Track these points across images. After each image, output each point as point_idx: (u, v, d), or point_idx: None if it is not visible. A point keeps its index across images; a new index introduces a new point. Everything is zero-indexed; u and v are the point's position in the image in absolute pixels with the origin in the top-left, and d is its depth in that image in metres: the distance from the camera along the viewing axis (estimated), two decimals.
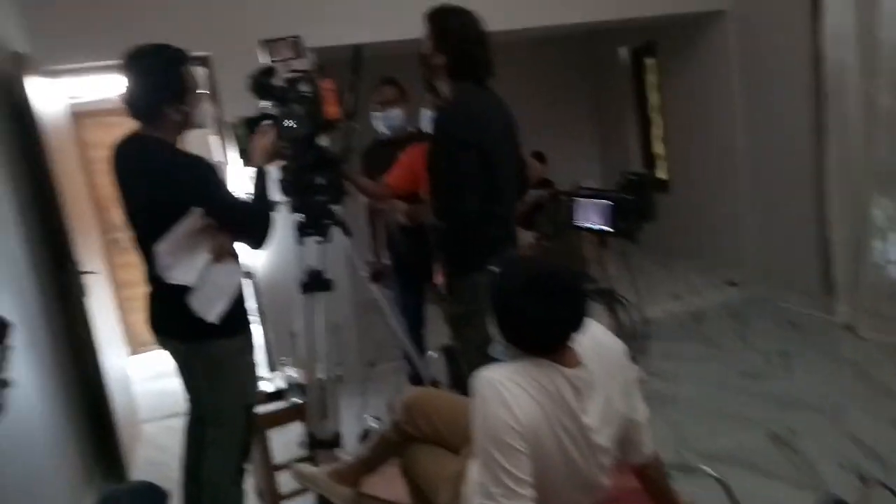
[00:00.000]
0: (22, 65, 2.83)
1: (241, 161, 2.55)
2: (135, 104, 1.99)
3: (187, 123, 2.08)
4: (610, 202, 2.11)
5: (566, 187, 5.83)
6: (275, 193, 2.65)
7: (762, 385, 3.52)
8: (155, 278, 2.05)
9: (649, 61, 6.23)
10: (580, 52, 6.88)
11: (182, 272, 1.96)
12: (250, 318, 2.20)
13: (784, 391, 3.41)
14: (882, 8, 3.55)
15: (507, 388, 1.37)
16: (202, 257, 1.99)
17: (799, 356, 3.79)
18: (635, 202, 2.07)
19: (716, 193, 5.34)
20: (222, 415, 2.12)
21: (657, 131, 6.34)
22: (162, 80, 1.98)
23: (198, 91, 2.09)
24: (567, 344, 1.44)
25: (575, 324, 1.42)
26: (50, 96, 3.20)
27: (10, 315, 2.32)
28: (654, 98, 6.28)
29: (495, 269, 2.11)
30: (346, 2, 3.92)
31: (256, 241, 2.13)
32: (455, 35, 2.12)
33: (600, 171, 7.13)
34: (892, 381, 3.34)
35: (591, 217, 2.18)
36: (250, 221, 2.08)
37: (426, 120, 2.74)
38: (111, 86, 4.36)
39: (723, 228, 5.34)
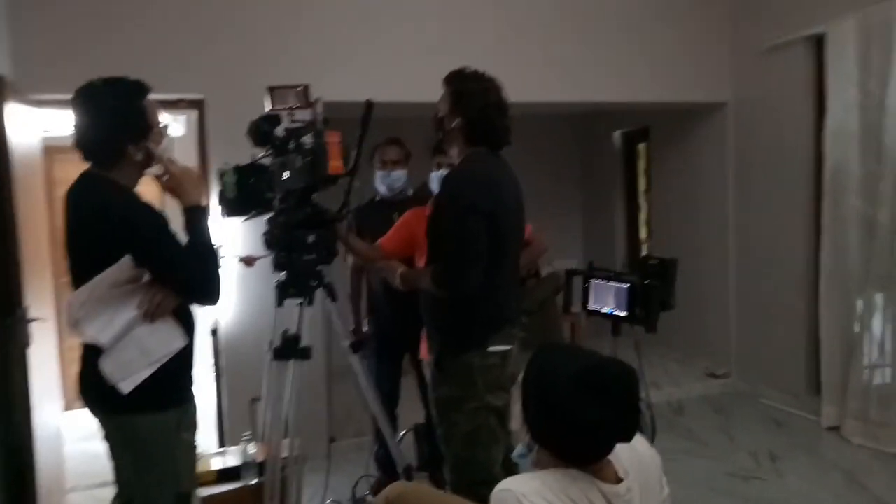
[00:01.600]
0: (3, 89, 2.65)
1: (223, 211, 2.40)
2: (90, 144, 1.81)
3: (149, 162, 1.89)
4: (627, 286, 1.97)
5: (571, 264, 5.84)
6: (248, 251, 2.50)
7: (753, 488, 3.37)
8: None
9: (641, 146, 6.31)
10: (572, 130, 6.96)
11: (95, 328, 1.72)
12: (192, 387, 1.93)
13: (777, 497, 3.27)
14: (888, 111, 3.58)
15: None
16: (125, 314, 1.74)
17: (788, 459, 3.66)
18: (656, 288, 1.93)
19: (701, 282, 5.29)
20: (151, 502, 1.84)
21: (643, 214, 6.37)
22: (120, 116, 1.80)
23: (160, 126, 1.91)
24: (608, 454, 1.26)
25: (629, 431, 1.23)
26: (25, 126, 3.01)
27: None
28: (642, 183, 6.33)
29: (497, 349, 1.99)
30: (358, 58, 3.87)
31: (206, 298, 1.88)
32: (474, 98, 2.04)
33: (582, 248, 7.10)
34: (886, 493, 3.22)
35: (605, 301, 2.04)
36: (201, 276, 1.82)
37: (435, 182, 2.63)
38: None
39: (706, 318, 5.27)
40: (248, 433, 2.69)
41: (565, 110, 5.17)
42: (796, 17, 4.20)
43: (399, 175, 3.05)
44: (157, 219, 1.79)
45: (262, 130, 2.25)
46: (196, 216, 1.86)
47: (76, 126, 1.81)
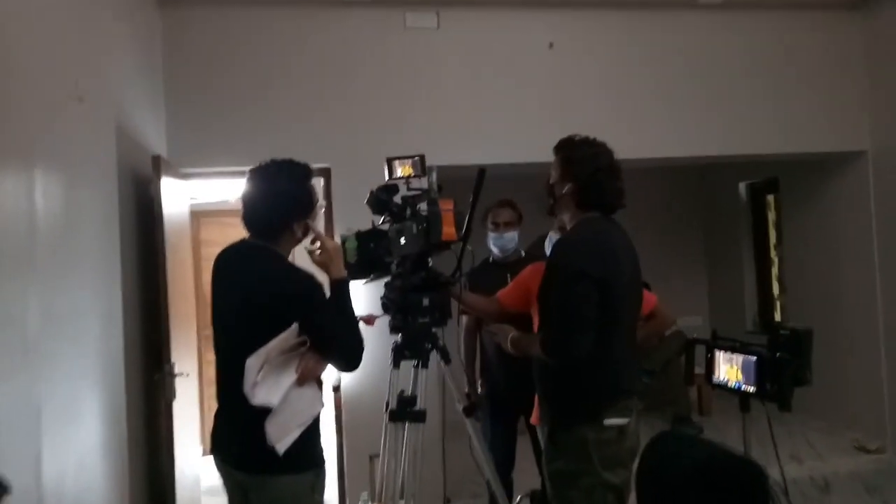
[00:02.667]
0: (160, 167, 2.97)
1: (348, 273, 2.51)
2: (262, 219, 1.96)
3: (305, 236, 2.04)
4: (755, 358, 1.83)
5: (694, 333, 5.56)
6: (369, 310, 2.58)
7: None
8: (228, 396, 1.93)
9: (770, 197, 5.95)
10: (694, 183, 6.71)
11: (266, 392, 1.82)
12: (324, 451, 2.00)
13: None
14: None
15: None
16: (288, 378, 1.85)
17: None
18: (788, 362, 1.78)
19: (846, 345, 4.82)
20: None
21: (775, 271, 5.95)
22: (294, 197, 1.97)
23: (319, 204, 2.05)
24: None
25: None
26: (176, 196, 3.34)
27: (97, 414, 2.32)
28: (773, 236, 5.95)
29: (612, 422, 1.90)
30: (470, 124, 4.00)
31: (350, 365, 1.99)
32: (583, 164, 2.03)
33: (708, 305, 6.73)
34: None
35: (732, 373, 1.90)
36: (349, 344, 1.94)
37: (550, 243, 2.62)
38: (230, 188, 4.58)
39: (854, 385, 4.78)
40: (365, 493, 2.72)
41: (687, 162, 5.00)
42: None
43: (511, 237, 3.06)
44: (321, 291, 1.92)
45: (380, 200, 2.35)
46: (344, 288, 2.00)
47: (248, 201, 1.98)
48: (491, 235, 3.09)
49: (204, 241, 5.27)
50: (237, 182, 3.91)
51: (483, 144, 3.98)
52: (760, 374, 1.80)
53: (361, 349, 1.95)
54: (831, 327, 4.96)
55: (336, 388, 3.70)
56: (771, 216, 6.00)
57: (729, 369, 1.91)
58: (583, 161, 2.02)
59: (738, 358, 1.88)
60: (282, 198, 1.94)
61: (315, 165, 3.73)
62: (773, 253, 5.98)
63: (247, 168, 3.38)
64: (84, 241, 2.29)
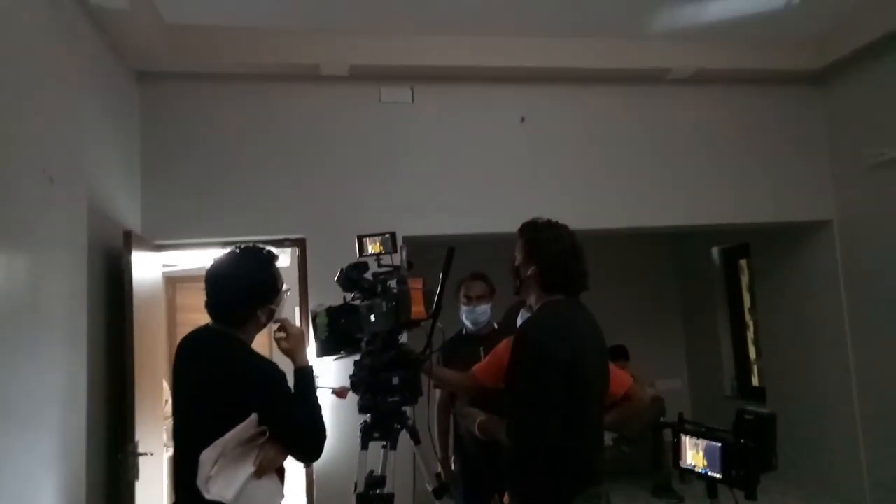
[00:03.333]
0: (131, 243, 2.96)
1: (316, 350, 2.50)
2: (224, 305, 1.94)
3: (269, 321, 2.03)
4: (721, 444, 1.81)
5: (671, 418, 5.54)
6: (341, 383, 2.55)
7: None
8: (184, 489, 1.86)
9: (742, 262, 6.05)
10: (670, 248, 6.82)
11: (221, 486, 1.76)
12: None
13: None
14: None
15: None
16: (245, 471, 1.79)
17: None
18: (753, 450, 1.77)
19: (822, 409, 4.83)
20: None
21: (750, 335, 6.00)
22: (256, 283, 1.95)
23: (284, 290, 2.05)
24: None
25: None
26: (148, 269, 3.33)
27: (53, 497, 2.23)
28: (747, 300, 6.02)
29: None
30: (444, 195, 4.08)
31: (312, 456, 1.94)
32: (546, 247, 2.04)
33: (686, 366, 6.73)
34: None
35: (698, 458, 1.89)
36: (312, 434, 1.90)
37: (521, 320, 2.62)
38: (207, 255, 4.58)
39: (831, 450, 4.76)
40: None
41: (658, 230, 5.09)
42: None
43: (483, 310, 3.06)
44: (283, 379, 1.88)
45: (350, 278, 2.36)
46: (308, 376, 1.98)
47: (210, 288, 1.95)
48: (463, 309, 3.09)
49: (180, 306, 5.22)
50: (215, 251, 3.94)
51: (457, 215, 4.04)
52: (725, 460, 1.79)
53: (324, 439, 1.91)
54: (807, 390, 4.98)
55: (307, 466, 3.61)
56: (744, 280, 6.08)
57: (695, 455, 1.89)
58: (546, 244, 2.04)
59: (703, 443, 1.87)
60: (244, 284, 1.93)
61: (290, 236, 3.84)
62: (747, 317, 6.04)
63: (222, 239, 3.38)
64: (49, 321, 2.26)
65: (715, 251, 6.27)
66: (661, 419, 5.17)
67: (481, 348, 2.90)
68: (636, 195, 4.32)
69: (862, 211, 4.39)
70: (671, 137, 4.44)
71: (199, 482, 1.74)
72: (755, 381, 5.95)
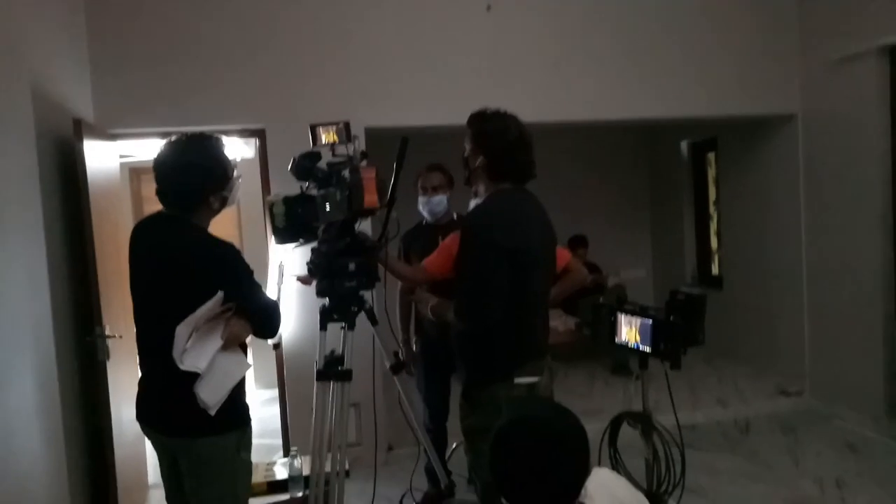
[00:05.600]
0: (81, 130, 2.91)
1: (275, 238, 2.55)
2: (177, 193, 1.98)
3: (223, 207, 2.07)
4: (652, 321, 1.95)
5: (614, 279, 5.75)
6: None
7: None
8: (153, 363, 1.99)
9: (710, 155, 6.11)
10: (638, 140, 6.84)
11: (194, 357, 1.88)
12: (248, 410, 2.08)
13: None
14: None
15: None
16: (214, 343, 1.91)
17: (858, 488, 3.45)
18: (679, 325, 1.91)
19: (774, 297, 5.08)
20: None
21: (713, 225, 6.16)
22: (207, 168, 1.98)
23: (236, 177, 2.08)
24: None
25: (557, 489, 1.26)
26: (104, 158, 3.29)
27: (27, 378, 2.34)
28: (712, 193, 6.13)
29: (523, 381, 2.02)
30: (405, 85, 4.00)
31: (272, 331, 2.07)
32: (494, 137, 2.08)
33: (652, 259, 6.95)
34: None
35: (631, 334, 2.03)
36: (271, 312, 2.02)
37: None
38: None
39: (779, 334, 5.05)
40: (295, 448, 2.82)
41: (625, 123, 5.08)
42: (867, 28, 3.98)
43: (439, 200, 3.11)
44: (243, 260, 1.97)
45: (303, 167, 2.38)
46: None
47: (162, 176, 1.98)
48: (420, 199, 3.14)
49: (146, 197, 5.21)
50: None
51: (418, 107, 3.99)
52: (655, 336, 1.93)
53: (280, 316, 2.04)
54: (761, 279, 5.21)
55: (276, 346, 3.77)
56: (711, 173, 6.17)
57: (629, 331, 2.03)
58: (494, 135, 2.07)
59: (637, 321, 2.00)
60: (194, 171, 1.96)
61: (249, 126, 3.79)
62: (711, 209, 6.18)
63: (181, 129, 3.34)
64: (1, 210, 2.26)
65: (683, 144, 6.31)
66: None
67: (440, 237, 2.96)
68: (604, 86, 4.28)
69: (826, 106, 4.41)
70: (640, 27, 4.34)
71: (175, 354, 1.85)
72: (714, 270, 6.19)
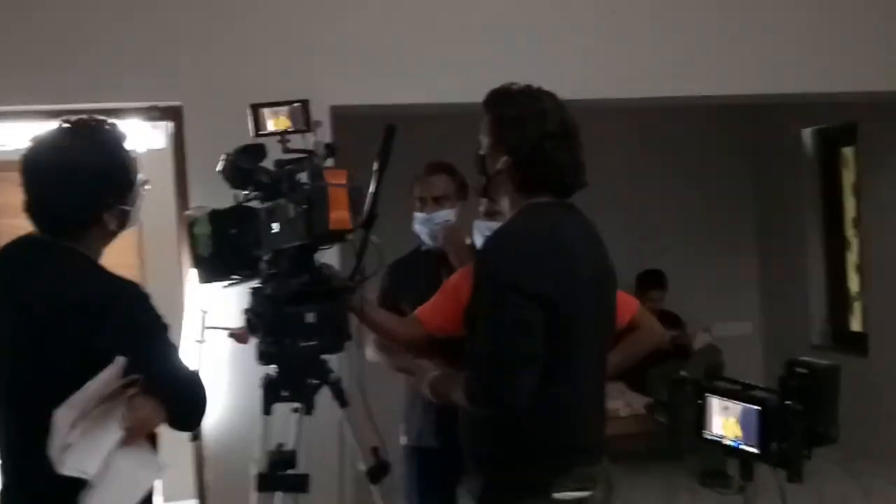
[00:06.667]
0: None
1: (198, 274, 2.58)
2: (53, 211, 1.98)
3: (123, 227, 2.09)
4: (759, 407, 1.97)
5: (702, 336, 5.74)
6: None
7: None
8: (17, 463, 1.98)
9: (846, 151, 6.15)
10: (737, 130, 6.86)
11: (81, 457, 1.85)
12: None
13: None
14: None
15: None
16: (110, 435, 1.89)
17: None
18: (803, 413, 1.92)
19: None
20: None
21: (852, 256, 6.17)
22: (104, 173, 1.99)
23: (140, 182, 2.10)
24: None
25: None
26: None
27: None
28: (850, 206, 6.15)
29: (567, 496, 2.02)
30: (382, 46, 4.04)
31: (194, 418, 2.09)
32: (523, 127, 2.08)
33: (758, 308, 6.95)
34: None
35: (729, 426, 2.05)
36: (195, 388, 2.03)
37: (479, 236, 2.71)
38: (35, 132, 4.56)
39: None
40: None
41: (727, 101, 5.11)
42: None
43: (445, 215, 3.12)
44: (154, 308, 1.97)
45: (240, 169, 2.40)
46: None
47: (32, 183, 1.98)
48: (417, 216, 3.15)
49: (1, 206, 5.22)
50: (47, 124, 3.88)
51: (406, 77, 4.04)
52: (764, 429, 1.94)
53: (205, 396, 2.04)
54: None
55: (195, 438, 3.77)
56: (848, 177, 6.20)
57: (725, 422, 2.05)
58: (523, 123, 2.08)
59: (738, 407, 2.01)
60: (82, 176, 1.96)
61: (158, 103, 3.83)
62: (849, 231, 6.20)
63: (57, 107, 3.35)
64: None
65: (806, 134, 6.36)
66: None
67: (444, 271, 2.98)
68: (685, 50, 4.33)
69: None
70: None
71: (53, 452, 1.84)
72: (855, 325, 6.19)
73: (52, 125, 2.05)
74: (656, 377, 5.12)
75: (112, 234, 2.09)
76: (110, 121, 2.08)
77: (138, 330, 1.94)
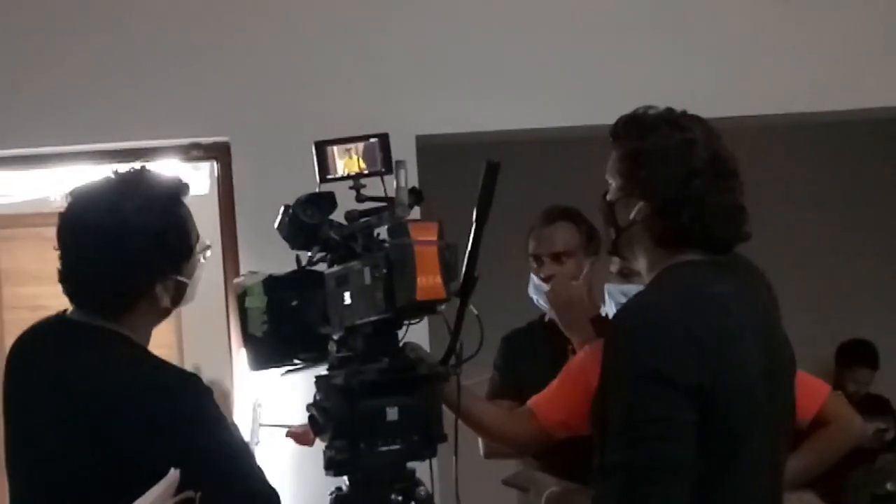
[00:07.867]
0: None
1: (248, 359, 2.62)
2: (96, 285, 2.05)
3: (177, 304, 2.16)
4: None
5: None
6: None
7: None
8: None
9: None
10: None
11: None
12: None
13: None
14: None
15: None
16: None
17: None
18: None
19: None
20: None
21: None
22: (156, 239, 2.05)
23: (202, 246, 2.18)
24: None
25: None
26: None
27: None
28: None
29: None
30: (476, 65, 4.16)
31: None
32: (665, 164, 2.07)
33: None
34: None
35: None
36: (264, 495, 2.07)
37: (612, 304, 2.72)
38: (53, 180, 4.73)
39: None
40: None
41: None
42: None
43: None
44: (216, 408, 2.04)
45: (304, 225, 2.44)
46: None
47: (69, 252, 2.07)
48: (534, 279, 3.17)
49: (6, 272, 5.39)
50: (65, 170, 3.94)
51: (505, 98, 4.12)
52: None
53: None
54: None
55: None
56: None
57: None
58: (664, 158, 2.07)
59: None
60: (131, 243, 2.02)
61: (201, 139, 3.93)
62: None
63: (83, 147, 3.49)
64: None
65: None
66: None
67: (570, 349, 3.01)
68: (863, 56, 4.34)
69: None
70: None
71: None
72: None
73: (87, 173, 2.12)
74: (857, 487, 4.98)
75: (164, 313, 2.17)
76: (170, 176, 2.16)
77: (199, 434, 1.99)
